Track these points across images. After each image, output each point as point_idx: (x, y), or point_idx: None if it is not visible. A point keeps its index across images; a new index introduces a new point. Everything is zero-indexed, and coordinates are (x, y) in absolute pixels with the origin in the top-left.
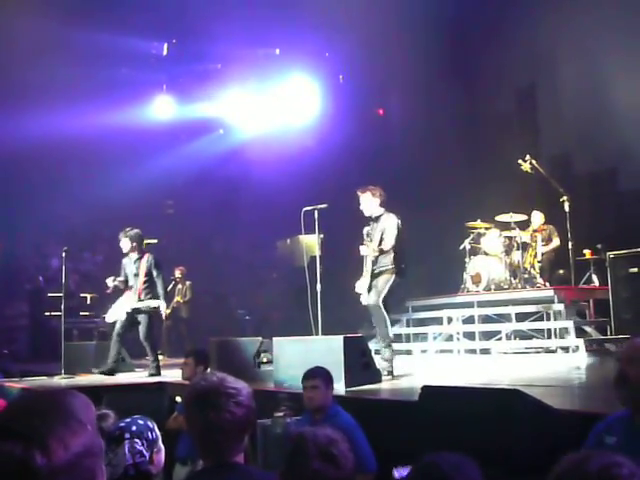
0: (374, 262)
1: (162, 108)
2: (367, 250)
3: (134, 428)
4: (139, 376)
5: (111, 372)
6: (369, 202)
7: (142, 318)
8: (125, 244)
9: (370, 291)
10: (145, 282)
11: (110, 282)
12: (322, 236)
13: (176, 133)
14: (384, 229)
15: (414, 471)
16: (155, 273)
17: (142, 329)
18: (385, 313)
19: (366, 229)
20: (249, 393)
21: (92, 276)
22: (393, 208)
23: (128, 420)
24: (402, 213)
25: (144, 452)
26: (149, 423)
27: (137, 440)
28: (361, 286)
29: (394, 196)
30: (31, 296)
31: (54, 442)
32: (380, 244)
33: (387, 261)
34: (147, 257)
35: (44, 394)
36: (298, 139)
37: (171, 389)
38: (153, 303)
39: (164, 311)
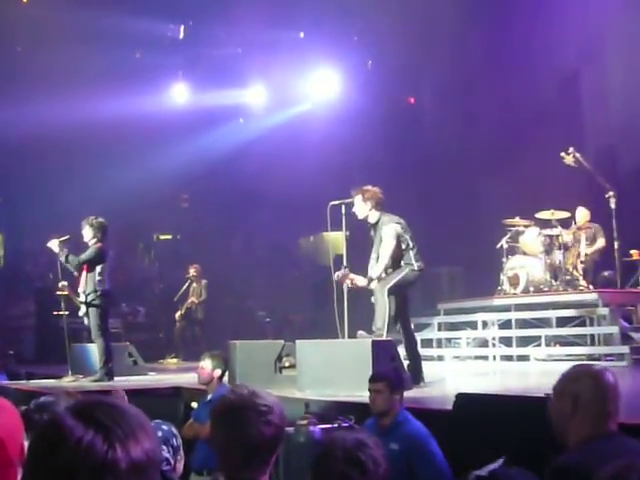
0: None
1: (178, 95)
2: (358, 281)
3: (160, 434)
4: (152, 379)
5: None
6: (359, 206)
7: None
8: (87, 233)
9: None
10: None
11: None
12: (348, 233)
13: (192, 122)
14: (381, 241)
15: None
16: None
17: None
18: (387, 302)
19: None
20: (281, 411)
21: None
22: (424, 204)
23: (152, 425)
24: (434, 209)
25: (170, 459)
26: (173, 429)
27: (163, 447)
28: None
29: (425, 191)
30: (39, 294)
31: (132, 440)
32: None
33: (396, 263)
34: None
35: (108, 398)
36: (323, 129)
37: (187, 394)
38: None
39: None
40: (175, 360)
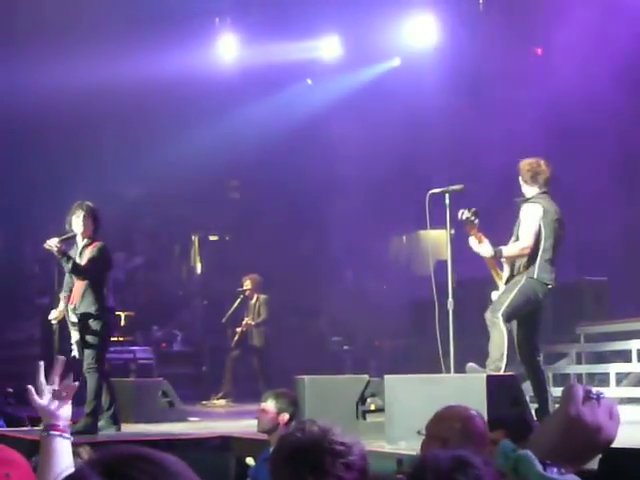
0: (512, 265)
1: (225, 49)
2: (480, 247)
3: None
4: (193, 427)
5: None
6: (521, 181)
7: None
8: (77, 223)
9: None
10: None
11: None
12: (454, 231)
13: (244, 85)
14: (519, 222)
15: None
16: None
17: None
18: (505, 331)
19: None
20: (363, 451)
21: (128, 286)
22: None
23: None
24: (576, 199)
25: None
26: None
27: None
28: (497, 295)
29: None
30: (45, 315)
31: None
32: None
33: (521, 263)
34: (97, 245)
35: (142, 448)
36: (419, 90)
37: (239, 447)
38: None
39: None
40: (224, 401)
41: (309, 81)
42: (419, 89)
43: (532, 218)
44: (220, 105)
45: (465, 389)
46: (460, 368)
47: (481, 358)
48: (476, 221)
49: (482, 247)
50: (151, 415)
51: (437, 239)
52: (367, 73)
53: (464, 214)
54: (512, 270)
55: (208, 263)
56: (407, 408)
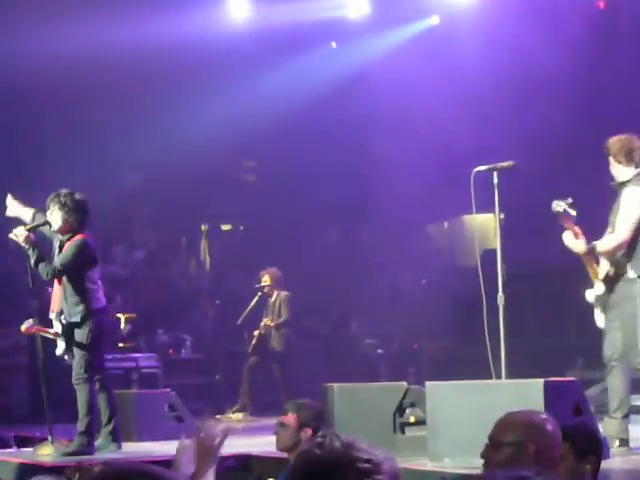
0: (612, 260)
1: (236, 9)
2: (575, 243)
3: None
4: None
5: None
6: (613, 162)
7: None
8: (56, 218)
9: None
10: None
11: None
12: (503, 216)
13: (258, 50)
14: (616, 209)
15: None
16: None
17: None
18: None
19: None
20: (395, 469)
21: (128, 284)
22: None
23: None
24: None
25: None
26: None
27: None
28: (593, 295)
29: None
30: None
31: None
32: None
33: (623, 260)
34: (75, 241)
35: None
36: (458, 54)
37: (260, 467)
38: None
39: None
40: (241, 415)
41: (333, 44)
42: (461, 53)
43: (634, 204)
44: (231, 74)
45: (520, 396)
46: (512, 372)
47: (538, 361)
48: (573, 213)
49: (578, 243)
50: (156, 432)
51: (484, 224)
52: (400, 34)
53: (559, 205)
54: (611, 264)
55: (220, 256)
56: (452, 420)
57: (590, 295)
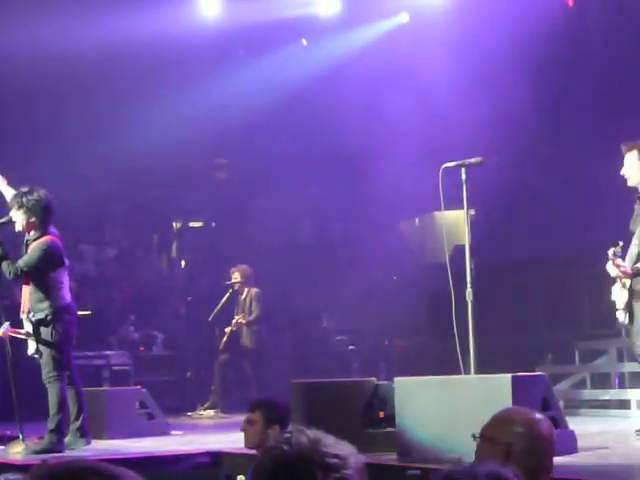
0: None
1: (207, 7)
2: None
3: None
4: (177, 442)
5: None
6: (634, 166)
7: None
8: (19, 218)
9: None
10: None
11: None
12: (473, 212)
13: (229, 48)
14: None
15: None
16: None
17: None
18: None
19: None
20: (360, 464)
21: (98, 283)
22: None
23: None
24: None
25: None
26: None
27: None
28: (618, 294)
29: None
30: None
31: None
32: None
33: None
34: (41, 243)
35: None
36: (427, 51)
37: (230, 464)
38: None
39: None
40: (212, 412)
41: (304, 42)
42: (430, 51)
43: None
44: (201, 71)
45: (488, 392)
46: (482, 368)
47: (508, 356)
48: (618, 249)
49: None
50: (128, 429)
51: (454, 221)
52: (370, 32)
53: (614, 252)
54: None
55: (191, 254)
56: (421, 415)
57: (616, 293)
